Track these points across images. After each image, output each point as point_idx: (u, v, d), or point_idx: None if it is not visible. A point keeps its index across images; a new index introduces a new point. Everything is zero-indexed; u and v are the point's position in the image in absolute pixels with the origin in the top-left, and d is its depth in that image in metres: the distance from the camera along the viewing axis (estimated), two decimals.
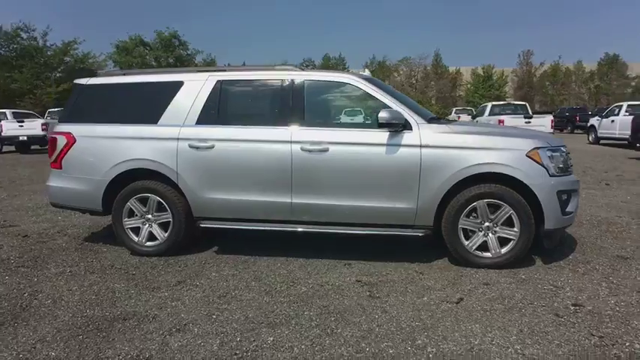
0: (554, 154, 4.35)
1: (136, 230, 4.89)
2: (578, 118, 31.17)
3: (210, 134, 4.64)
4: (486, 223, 4.35)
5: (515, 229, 4.30)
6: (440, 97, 65.26)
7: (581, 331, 3.16)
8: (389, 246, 5.01)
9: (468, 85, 62.21)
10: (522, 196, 4.26)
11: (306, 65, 70.85)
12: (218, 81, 4.76)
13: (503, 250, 4.35)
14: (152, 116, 4.86)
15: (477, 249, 4.39)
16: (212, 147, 4.61)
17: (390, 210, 4.43)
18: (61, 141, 4.97)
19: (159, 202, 4.78)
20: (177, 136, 4.69)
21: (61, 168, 5.01)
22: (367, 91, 4.57)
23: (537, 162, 4.24)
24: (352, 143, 4.44)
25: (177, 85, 4.85)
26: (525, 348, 2.95)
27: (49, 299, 3.81)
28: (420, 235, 4.44)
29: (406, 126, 4.37)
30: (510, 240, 4.33)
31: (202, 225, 4.76)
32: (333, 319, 3.38)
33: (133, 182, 4.81)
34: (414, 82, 69.30)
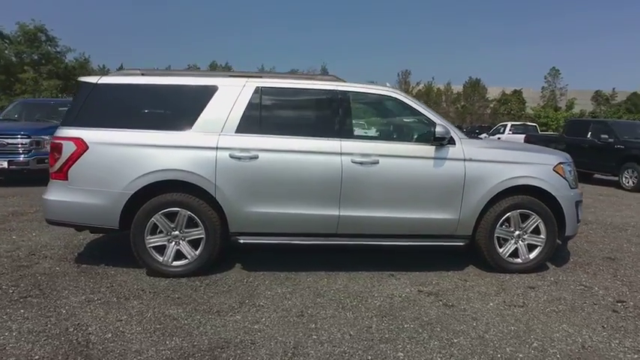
0: (570, 168, 4.89)
1: (160, 249, 4.41)
2: None
3: (253, 144, 4.38)
4: (517, 232, 4.73)
5: (542, 236, 4.73)
6: None
7: None
8: (408, 256, 5.11)
9: None
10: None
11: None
12: (257, 87, 4.52)
13: (531, 256, 4.76)
14: (183, 123, 4.44)
15: (509, 256, 4.74)
16: (256, 157, 4.35)
17: (434, 221, 4.59)
18: (69, 148, 4.29)
19: (189, 217, 4.37)
20: (215, 145, 4.35)
21: (66, 179, 4.31)
22: (412, 105, 4.71)
23: (561, 175, 4.74)
24: (402, 156, 4.53)
25: (210, 90, 4.50)
26: (622, 341, 3.31)
27: (107, 333, 3.29)
28: (461, 244, 4.67)
29: (450, 140, 4.58)
30: (537, 246, 4.76)
31: (241, 241, 4.45)
32: (438, 329, 3.43)
33: (159, 195, 4.33)
34: None
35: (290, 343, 3.20)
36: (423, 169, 4.54)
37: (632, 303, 4.04)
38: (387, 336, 3.32)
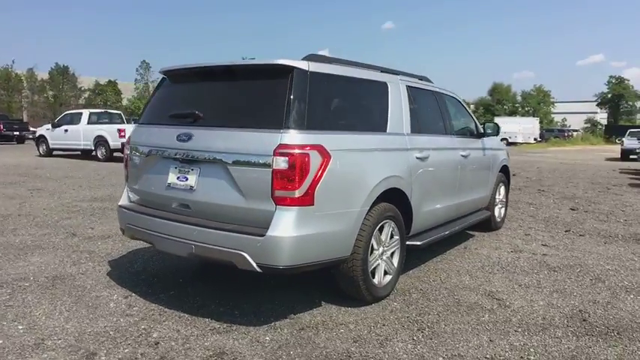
0: None
1: (372, 271, 3.72)
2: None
3: (426, 143, 4.33)
4: (498, 198, 6.46)
5: (504, 199, 6.65)
6: None
7: None
8: None
9: None
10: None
11: None
12: (408, 86, 4.36)
13: (502, 214, 6.62)
14: (379, 122, 3.89)
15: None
16: (428, 157, 4.30)
17: (482, 198, 5.76)
18: (315, 159, 3.00)
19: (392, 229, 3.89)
20: (406, 146, 4.04)
21: (312, 203, 3.00)
22: (462, 104, 5.61)
23: (508, 157, 6.78)
24: (475, 148, 5.43)
25: (384, 86, 4.04)
26: None
27: None
28: (490, 214, 6.01)
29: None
30: (502, 206, 6.64)
31: (419, 243, 4.26)
32: (612, 267, 4.79)
33: (375, 206, 3.64)
34: None
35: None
36: (482, 158, 5.62)
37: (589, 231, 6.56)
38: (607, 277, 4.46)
